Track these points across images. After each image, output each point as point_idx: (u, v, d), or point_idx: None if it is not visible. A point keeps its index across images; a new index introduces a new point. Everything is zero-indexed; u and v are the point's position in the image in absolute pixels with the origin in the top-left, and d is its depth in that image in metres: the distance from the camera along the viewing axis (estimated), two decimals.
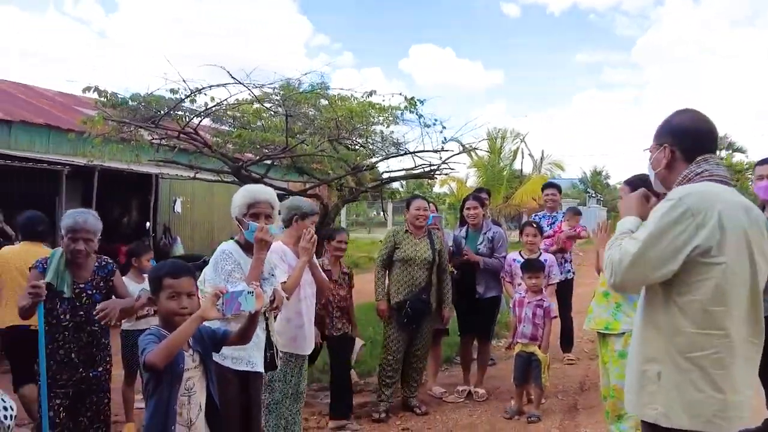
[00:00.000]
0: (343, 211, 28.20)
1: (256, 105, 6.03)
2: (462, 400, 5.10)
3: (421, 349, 4.84)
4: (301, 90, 5.77)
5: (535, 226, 5.32)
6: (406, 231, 4.83)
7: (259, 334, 3.00)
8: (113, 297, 3.20)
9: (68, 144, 10.11)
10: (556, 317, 4.67)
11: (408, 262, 4.74)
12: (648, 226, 2.05)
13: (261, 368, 3.07)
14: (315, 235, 3.55)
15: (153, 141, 7.33)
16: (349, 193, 7.20)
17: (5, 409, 2.14)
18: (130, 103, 6.71)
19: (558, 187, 6.84)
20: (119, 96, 6.54)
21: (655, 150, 2.25)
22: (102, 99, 6.60)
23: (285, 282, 3.43)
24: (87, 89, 6.52)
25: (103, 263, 3.25)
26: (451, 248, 5.21)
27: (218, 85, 5.12)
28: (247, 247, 3.03)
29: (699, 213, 1.97)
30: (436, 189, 24.80)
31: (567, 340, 6.42)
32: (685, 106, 2.30)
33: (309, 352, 3.80)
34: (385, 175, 7.53)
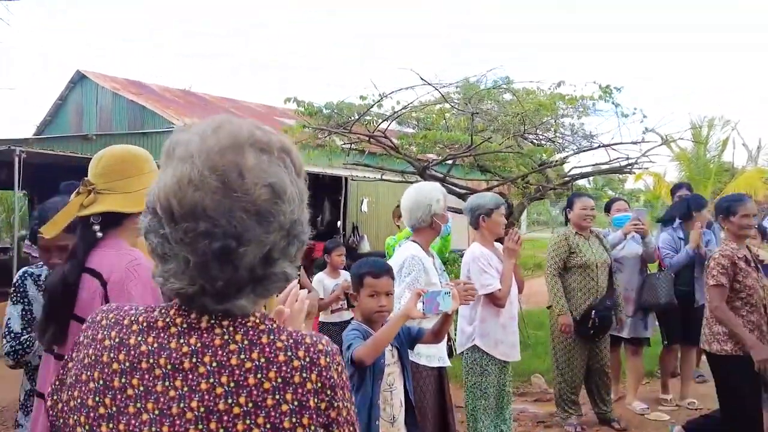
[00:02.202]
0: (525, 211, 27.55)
1: (439, 105, 6.06)
2: (668, 417, 4.57)
3: (606, 360, 4.42)
4: (482, 87, 5.67)
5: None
6: (577, 233, 4.40)
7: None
8: None
9: None
10: None
11: (589, 267, 4.31)
12: None
13: (448, 362, 3.07)
14: (520, 236, 3.48)
15: (344, 146, 7.80)
16: (534, 191, 6.91)
17: None
18: (325, 111, 7.23)
19: None
20: (315, 105, 7.08)
21: None
22: (300, 109, 7.21)
23: (500, 289, 3.41)
24: (287, 100, 7.16)
25: None
26: (665, 252, 4.84)
27: (406, 88, 5.23)
28: (425, 246, 3.10)
29: None
30: (629, 185, 22.91)
31: None
32: None
33: (518, 358, 3.71)
34: (575, 171, 7.08)
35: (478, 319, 3.50)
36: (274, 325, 0.87)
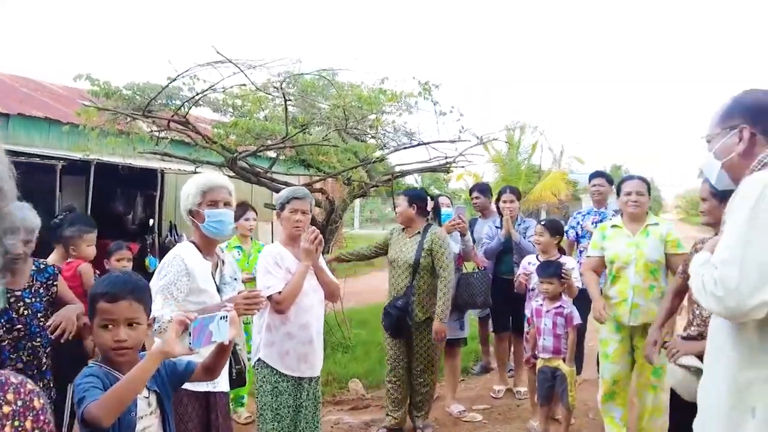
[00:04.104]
0: (357, 207, 27.78)
1: (254, 91, 5.53)
2: (480, 418, 4.57)
3: (419, 366, 4.20)
4: (302, 74, 5.26)
5: (543, 224, 4.49)
6: (403, 229, 4.31)
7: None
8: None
9: (68, 138, 9.74)
10: (579, 324, 4.05)
11: (392, 264, 4.25)
12: (734, 229, 1.60)
13: (226, 386, 2.57)
14: (319, 234, 3.07)
15: (152, 133, 6.90)
16: (358, 188, 6.68)
17: None
18: (125, 91, 6.31)
19: (608, 177, 5.52)
20: (113, 85, 6.15)
21: (722, 135, 1.83)
22: (95, 88, 6.22)
23: (280, 292, 2.96)
24: (78, 77, 6.14)
25: (42, 266, 2.79)
26: (485, 241, 5.00)
27: (206, 64, 4.60)
28: (204, 248, 2.57)
29: None
30: (452, 184, 24.22)
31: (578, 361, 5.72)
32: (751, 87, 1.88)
33: (318, 372, 3.21)
34: (398, 168, 6.99)
35: (264, 328, 3.06)
36: None
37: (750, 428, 1.59)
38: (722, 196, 2.02)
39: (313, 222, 6.14)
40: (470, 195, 5.81)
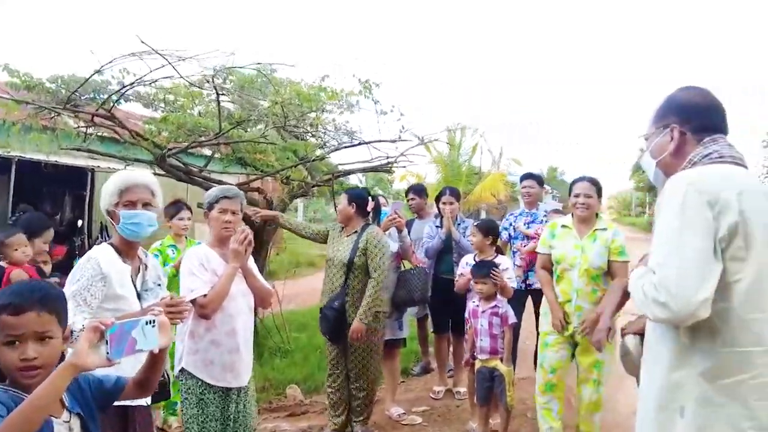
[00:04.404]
0: (301, 207, 27.40)
1: (188, 86, 5.29)
2: (420, 420, 4.53)
3: (354, 369, 4.07)
4: (234, 67, 5.07)
5: (476, 225, 4.52)
6: (342, 228, 4.23)
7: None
8: None
9: None
10: (515, 323, 4.07)
11: (328, 262, 4.16)
12: (665, 230, 1.61)
13: (146, 399, 2.37)
14: (249, 235, 2.91)
15: (79, 129, 6.51)
16: (298, 188, 6.52)
17: None
18: (48, 84, 5.93)
19: (538, 179, 5.56)
20: (35, 76, 5.76)
21: (657, 134, 1.85)
22: (14, 80, 5.81)
23: (205, 295, 2.80)
24: None
25: None
26: (425, 240, 4.96)
27: (130, 55, 4.33)
28: (123, 250, 2.42)
29: (716, 199, 1.56)
30: (396, 185, 24.28)
31: None
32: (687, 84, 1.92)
33: (246, 382, 3.00)
34: (340, 168, 6.87)
35: (187, 335, 2.87)
36: None
37: (679, 428, 1.59)
38: None
39: (250, 223, 5.98)
40: (406, 196, 5.78)
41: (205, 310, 2.78)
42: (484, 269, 4.07)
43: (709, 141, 1.76)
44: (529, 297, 5.08)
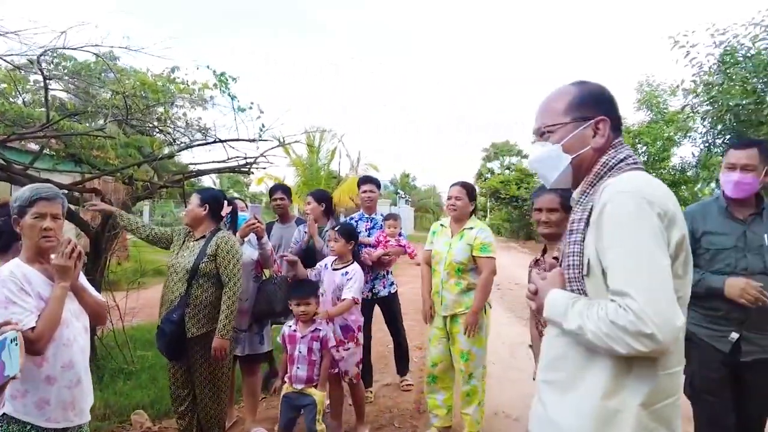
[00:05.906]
0: (146, 210, 25.43)
1: (12, 69, 4.49)
2: None
3: (199, 389, 3.63)
4: (64, 47, 4.39)
5: (337, 230, 4.21)
6: (189, 232, 3.80)
7: None
8: None
9: None
10: (336, 345, 3.86)
11: (170, 270, 3.67)
12: (631, 252, 1.40)
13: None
14: (77, 246, 2.39)
15: None
16: (142, 189, 5.87)
17: None
18: None
19: (376, 183, 5.35)
20: None
21: (573, 127, 1.61)
22: None
23: (35, 326, 2.22)
24: None
25: None
26: (292, 246, 4.71)
27: None
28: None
29: (665, 212, 1.43)
30: (254, 188, 23.52)
31: (403, 362, 5.51)
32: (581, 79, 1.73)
33: (89, 417, 2.51)
34: (191, 168, 6.31)
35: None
36: None
37: None
38: (570, 208, 1.85)
39: (85, 228, 5.24)
40: (271, 196, 5.40)
41: (37, 345, 2.21)
42: (305, 288, 3.76)
43: (618, 143, 1.61)
44: (376, 305, 5.10)
